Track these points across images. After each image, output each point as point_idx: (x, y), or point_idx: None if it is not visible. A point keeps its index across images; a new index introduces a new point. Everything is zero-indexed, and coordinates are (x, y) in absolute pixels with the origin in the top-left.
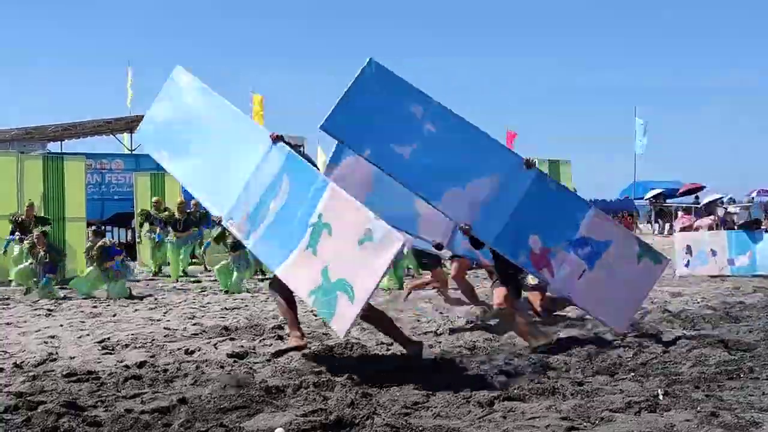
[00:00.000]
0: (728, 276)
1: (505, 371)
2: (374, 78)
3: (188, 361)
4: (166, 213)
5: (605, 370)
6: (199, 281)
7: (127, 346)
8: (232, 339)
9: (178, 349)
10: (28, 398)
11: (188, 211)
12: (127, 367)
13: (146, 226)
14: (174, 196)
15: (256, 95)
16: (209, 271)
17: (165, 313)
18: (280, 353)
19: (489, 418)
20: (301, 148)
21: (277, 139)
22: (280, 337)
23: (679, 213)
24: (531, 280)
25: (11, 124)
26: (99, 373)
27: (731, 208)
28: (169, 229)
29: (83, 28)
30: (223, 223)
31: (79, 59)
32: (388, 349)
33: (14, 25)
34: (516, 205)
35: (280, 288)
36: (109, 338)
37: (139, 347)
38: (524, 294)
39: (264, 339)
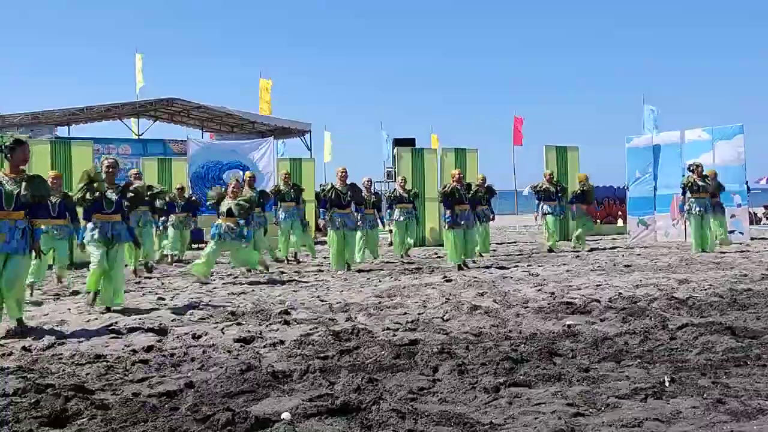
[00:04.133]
0: None
1: (511, 357)
2: None
3: (195, 346)
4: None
5: (611, 356)
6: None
7: (134, 330)
8: (238, 324)
9: (185, 333)
10: (37, 381)
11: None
12: (134, 351)
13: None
14: (182, 181)
15: (264, 80)
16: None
17: (172, 297)
18: None
19: (495, 404)
20: None
21: None
22: (287, 322)
23: None
24: None
25: (20, 108)
26: (107, 357)
27: None
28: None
29: (92, 18)
30: None
31: (89, 45)
32: (394, 335)
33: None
34: None
35: None
36: (116, 322)
37: (147, 331)
38: None
39: (271, 324)
